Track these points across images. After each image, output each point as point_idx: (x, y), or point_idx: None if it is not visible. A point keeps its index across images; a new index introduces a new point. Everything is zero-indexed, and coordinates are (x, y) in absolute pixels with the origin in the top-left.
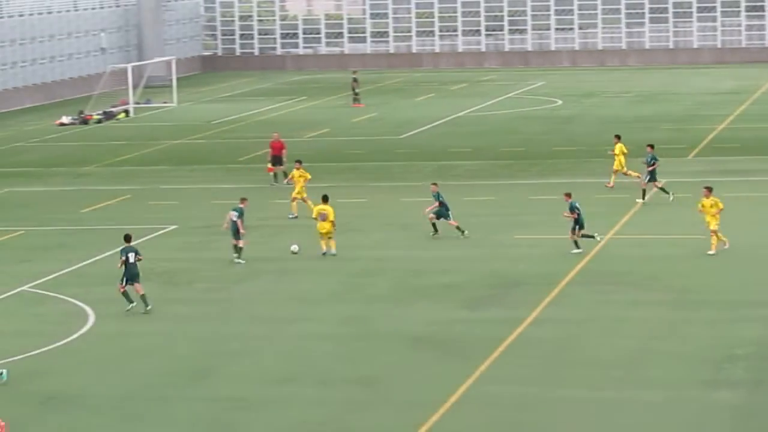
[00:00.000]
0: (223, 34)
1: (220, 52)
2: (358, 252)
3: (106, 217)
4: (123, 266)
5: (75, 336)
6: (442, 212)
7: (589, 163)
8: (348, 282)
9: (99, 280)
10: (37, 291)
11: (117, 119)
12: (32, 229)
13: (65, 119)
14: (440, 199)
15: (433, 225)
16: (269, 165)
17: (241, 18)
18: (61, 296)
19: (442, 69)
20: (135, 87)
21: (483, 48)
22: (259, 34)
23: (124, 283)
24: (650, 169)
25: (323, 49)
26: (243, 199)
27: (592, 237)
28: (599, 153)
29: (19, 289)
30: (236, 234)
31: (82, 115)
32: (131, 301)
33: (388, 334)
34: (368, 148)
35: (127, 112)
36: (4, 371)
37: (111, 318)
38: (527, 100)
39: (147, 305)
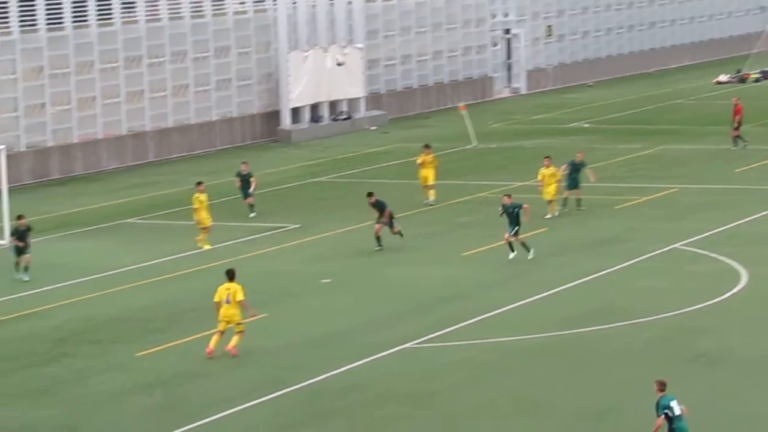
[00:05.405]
0: None
1: None
2: None
3: (760, 177)
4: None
5: (727, 295)
6: None
7: None
8: None
9: (752, 240)
10: (690, 249)
11: None
12: (686, 186)
13: (723, 77)
14: None
15: None
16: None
17: None
18: (714, 255)
19: None
20: None
21: None
22: None
23: (511, 232)
24: None
25: None
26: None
27: None
28: None
29: (671, 246)
30: None
31: (740, 74)
32: (513, 250)
33: None
34: None
35: None
36: None
37: (764, 278)
38: None
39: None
